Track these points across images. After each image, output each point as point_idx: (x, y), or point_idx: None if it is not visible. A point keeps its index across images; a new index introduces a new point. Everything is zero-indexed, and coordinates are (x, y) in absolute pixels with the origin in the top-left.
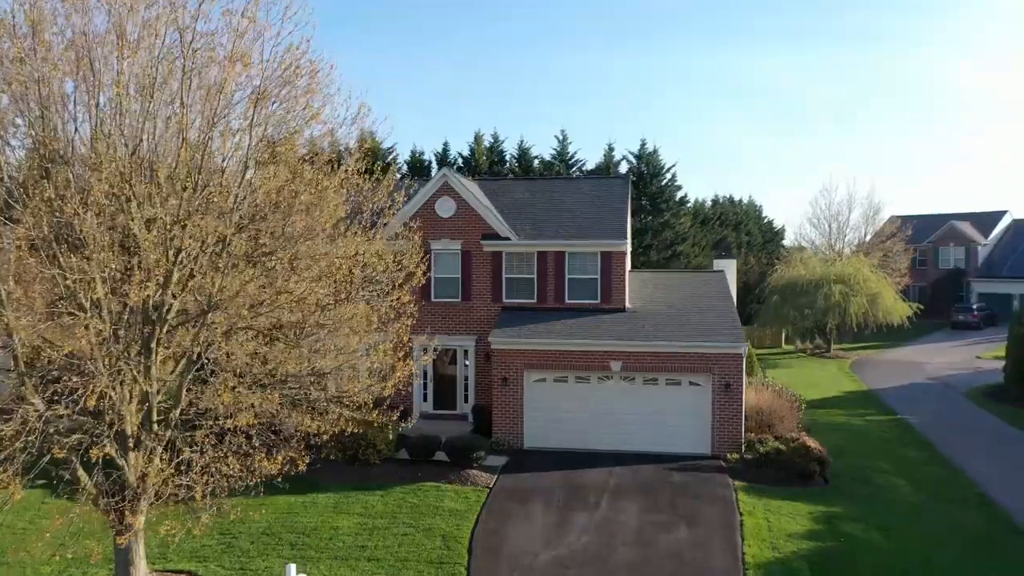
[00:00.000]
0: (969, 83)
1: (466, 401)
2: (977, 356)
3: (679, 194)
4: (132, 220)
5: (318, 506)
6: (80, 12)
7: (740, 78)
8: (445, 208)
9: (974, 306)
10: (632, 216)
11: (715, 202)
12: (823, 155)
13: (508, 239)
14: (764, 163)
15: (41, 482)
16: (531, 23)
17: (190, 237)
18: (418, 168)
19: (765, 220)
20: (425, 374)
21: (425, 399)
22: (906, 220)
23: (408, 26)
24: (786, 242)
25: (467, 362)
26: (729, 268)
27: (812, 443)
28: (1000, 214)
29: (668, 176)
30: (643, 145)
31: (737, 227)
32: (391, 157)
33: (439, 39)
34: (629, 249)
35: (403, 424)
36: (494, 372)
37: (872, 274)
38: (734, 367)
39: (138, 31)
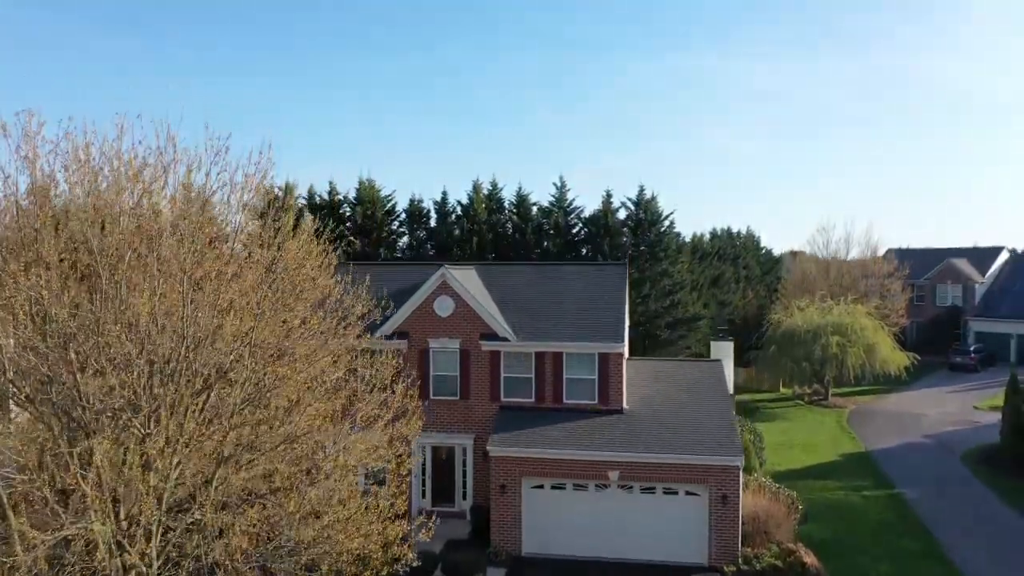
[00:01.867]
0: (968, 87)
1: (464, 498)
2: (974, 407)
3: (677, 242)
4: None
5: None
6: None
7: (738, 83)
8: (443, 307)
9: (971, 348)
10: (630, 265)
11: (713, 235)
12: (820, 167)
13: (506, 339)
14: (760, 167)
15: None
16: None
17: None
18: (417, 216)
19: (763, 250)
20: (423, 469)
21: (423, 495)
22: (903, 256)
23: (408, 79)
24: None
25: (465, 459)
26: (726, 351)
27: (809, 559)
28: (997, 250)
29: (666, 224)
30: (641, 191)
31: (735, 260)
32: (390, 205)
33: (438, 84)
34: (627, 349)
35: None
36: (492, 479)
37: (869, 322)
38: (731, 479)
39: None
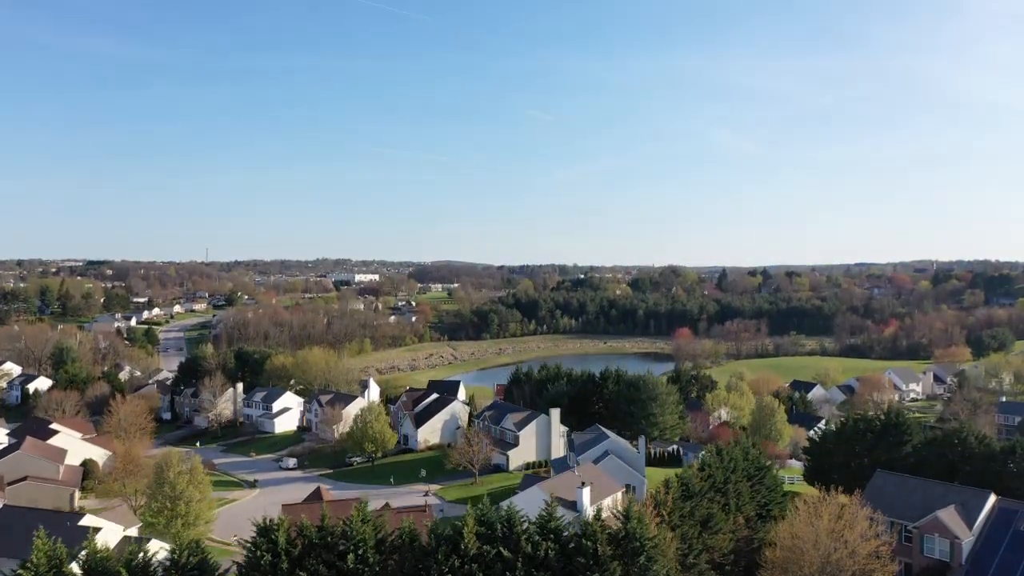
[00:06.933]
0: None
1: None
2: None
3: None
4: None
5: None
6: None
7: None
8: None
9: None
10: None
11: (703, 467)
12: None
13: None
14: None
15: None
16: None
17: None
18: (408, 540)
19: (752, 454)
20: None
21: None
22: (888, 505)
23: None
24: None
25: None
26: None
27: None
28: (985, 494)
29: (650, 543)
30: (628, 502)
31: (724, 488)
32: (381, 535)
33: None
34: None
35: None
36: None
37: None
38: None
39: None
